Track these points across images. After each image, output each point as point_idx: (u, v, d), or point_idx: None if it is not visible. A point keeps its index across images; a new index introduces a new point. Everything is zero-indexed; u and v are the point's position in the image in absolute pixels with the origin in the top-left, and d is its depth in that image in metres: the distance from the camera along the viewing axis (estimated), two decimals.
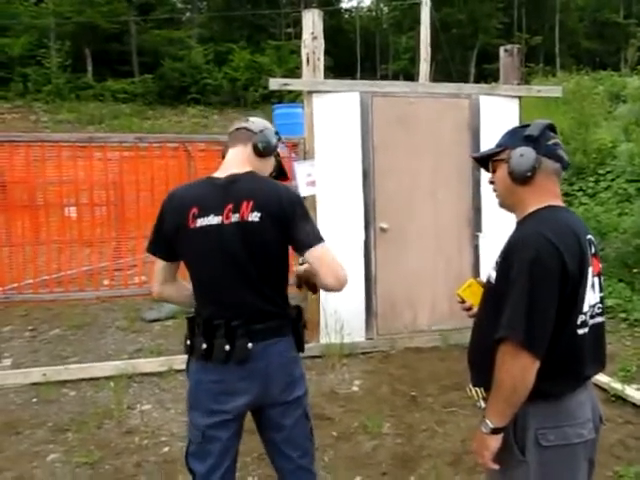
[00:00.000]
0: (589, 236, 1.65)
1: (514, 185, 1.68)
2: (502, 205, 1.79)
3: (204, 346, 1.91)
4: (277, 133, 2.08)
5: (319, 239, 1.88)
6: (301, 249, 1.87)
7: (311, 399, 3.86)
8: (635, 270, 6.10)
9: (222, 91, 25.18)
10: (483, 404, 1.67)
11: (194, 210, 1.92)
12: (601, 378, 4.01)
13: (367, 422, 3.52)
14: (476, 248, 5.01)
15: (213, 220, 1.90)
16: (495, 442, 1.59)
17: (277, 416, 1.98)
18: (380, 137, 4.75)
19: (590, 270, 1.60)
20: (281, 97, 18.56)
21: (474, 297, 1.86)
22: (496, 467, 1.61)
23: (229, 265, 1.90)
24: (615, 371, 4.20)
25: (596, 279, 1.64)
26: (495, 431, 1.58)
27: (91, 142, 4.30)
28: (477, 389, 1.70)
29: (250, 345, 1.88)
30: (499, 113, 4.91)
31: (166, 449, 3.33)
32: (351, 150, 4.69)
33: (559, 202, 1.69)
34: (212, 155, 5.72)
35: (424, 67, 4.92)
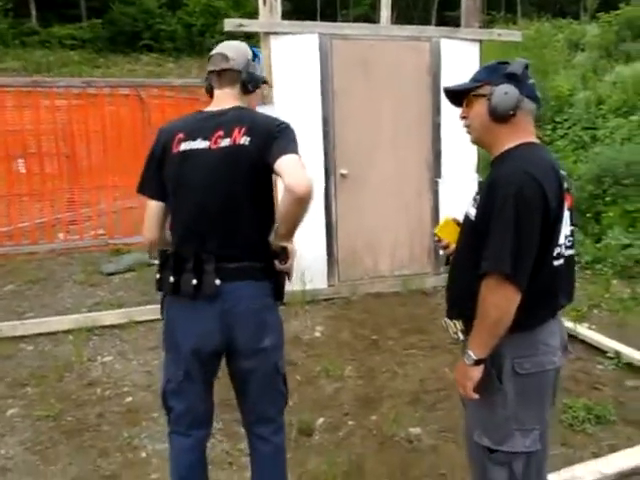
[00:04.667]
0: (562, 172, 1.66)
1: (492, 123, 1.66)
2: (476, 141, 1.78)
3: (172, 279, 1.86)
4: (254, 55, 1.99)
5: (293, 152, 1.79)
6: (273, 162, 1.77)
7: None
8: (588, 215, 6.28)
9: (177, 37, 24.17)
10: (462, 336, 1.71)
11: (180, 135, 1.90)
12: None
13: (329, 366, 3.58)
14: (436, 193, 5.04)
15: (200, 144, 1.86)
16: (477, 373, 1.64)
17: (246, 364, 1.95)
18: (340, 82, 4.65)
19: (564, 204, 1.63)
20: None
21: (450, 235, 1.88)
22: (476, 397, 1.66)
23: (208, 194, 1.85)
24: (567, 311, 4.37)
25: (567, 212, 1.67)
26: (478, 362, 1.62)
27: (36, 86, 4.06)
28: (455, 322, 1.74)
29: (218, 282, 1.83)
30: (460, 57, 4.85)
31: (129, 399, 3.32)
32: (311, 95, 4.59)
33: (535, 140, 1.69)
34: (167, 103, 5.51)
35: (385, 13, 4.78)
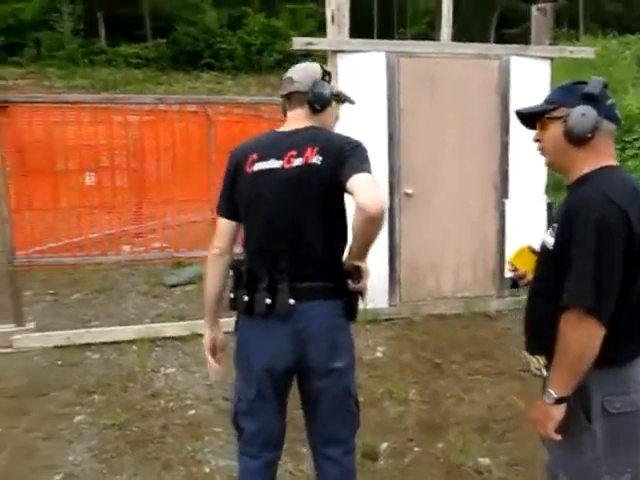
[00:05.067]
0: None
1: (569, 146, 1.58)
2: (550, 165, 1.71)
3: (245, 299, 1.86)
4: (326, 73, 1.97)
5: (365, 170, 1.75)
6: (345, 180, 1.73)
7: None
8: None
9: (236, 56, 24.79)
10: (545, 372, 1.62)
11: (253, 156, 1.91)
12: None
13: (392, 388, 3.50)
14: (502, 214, 4.90)
15: (273, 164, 1.87)
16: (559, 412, 1.54)
17: (318, 384, 1.91)
18: (406, 100, 4.61)
19: None
20: (296, 61, 18.23)
21: (526, 264, 1.81)
22: (559, 438, 1.56)
23: (281, 213, 1.85)
24: None
25: None
26: (559, 401, 1.53)
27: (110, 103, 4.21)
28: (538, 357, 1.64)
29: (292, 302, 1.81)
30: (530, 75, 4.72)
31: (192, 412, 3.33)
32: (377, 113, 4.55)
33: (614, 162, 1.61)
34: (233, 120, 5.60)
35: (446, 30, 4.74)
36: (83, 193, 4.70)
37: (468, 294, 4.90)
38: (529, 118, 1.72)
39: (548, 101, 1.66)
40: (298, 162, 1.83)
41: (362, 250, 1.85)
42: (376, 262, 4.65)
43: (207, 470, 2.75)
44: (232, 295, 1.92)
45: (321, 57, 5.00)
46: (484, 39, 25.45)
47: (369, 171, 1.76)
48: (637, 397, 1.55)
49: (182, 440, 3.02)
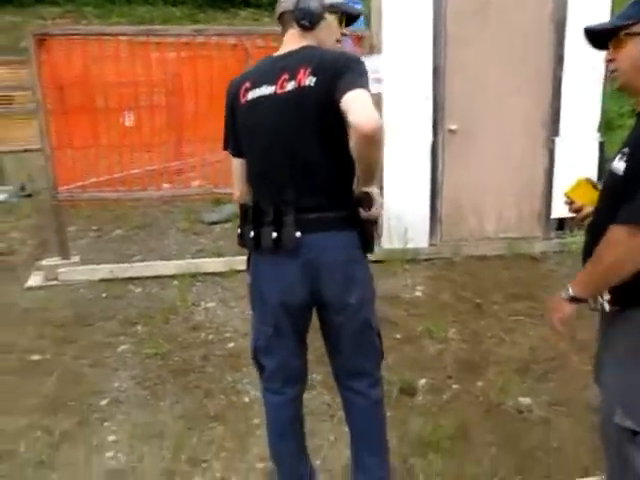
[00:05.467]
0: None
1: None
2: (624, 87, 1.56)
3: (252, 234, 1.80)
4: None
5: (361, 86, 1.61)
6: (339, 99, 1.60)
7: None
8: None
9: None
10: (607, 307, 1.55)
11: (246, 84, 1.81)
12: None
13: (431, 327, 3.47)
14: (551, 153, 4.67)
15: (265, 90, 1.76)
16: (569, 309, 1.58)
17: (336, 319, 1.87)
18: (453, 29, 4.36)
19: None
20: None
21: (584, 197, 1.73)
22: (560, 328, 1.62)
23: (280, 141, 1.75)
24: None
25: None
26: (573, 299, 1.56)
27: (148, 34, 4.11)
28: None
29: (298, 234, 1.74)
30: (589, 4, 4.38)
31: (231, 344, 3.39)
32: (422, 44, 4.33)
33: None
34: (271, 53, 5.43)
35: None
36: (122, 131, 4.67)
37: (512, 235, 4.76)
38: (599, 37, 1.56)
39: (624, 16, 1.50)
40: (291, 86, 1.71)
41: (366, 174, 1.72)
42: (417, 200, 4.58)
43: (246, 400, 2.81)
44: (239, 231, 1.87)
45: None
46: None
47: (364, 87, 1.62)
48: None
49: (222, 370, 3.09)
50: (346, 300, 1.83)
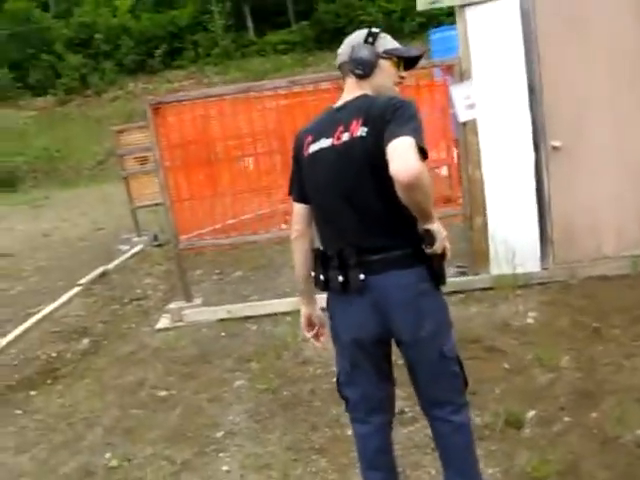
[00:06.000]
0: None
1: None
2: None
3: (322, 277, 1.92)
4: (370, 34, 1.90)
5: (405, 134, 1.67)
6: (385, 146, 1.68)
7: (481, 331, 3.80)
8: None
9: (378, 25, 24.40)
10: None
11: (309, 138, 1.95)
12: None
13: (542, 355, 3.31)
14: None
15: (324, 143, 1.89)
16: None
17: (410, 353, 1.94)
18: (546, 44, 4.22)
19: None
20: (439, 22, 17.54)
21: None
22: None
23: (338, 191, 1.87)
24: None
25: None
26: None
27: (248, 91, 4.47)
28: None
29: (362, 276, 1.83)
30: None
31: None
32: (513, 64, 4.25)
33: None
34: None
35: None
36: (234, 179, 5.06)
37: (636, 252, 4.41)
38: None
39: None
40: (346, 137, 1.83)
41: (420, 214, 1.77)
42: (525, 223, 4.44)
43: (349, 433, 2.85)
44: (313, 274, 2.00)
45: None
46: None
47: (409, 133, 1.67)
48: None
49: (328, 404, 3.18)
50: (418, 335, 1.89)
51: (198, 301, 4.99)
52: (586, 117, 4.29)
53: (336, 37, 24.84)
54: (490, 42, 4.23)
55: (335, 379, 2.12)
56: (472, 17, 4.21)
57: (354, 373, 2.00)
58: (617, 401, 2.79)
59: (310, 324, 2.20)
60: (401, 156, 1.65)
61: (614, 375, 3.06)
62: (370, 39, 1.90)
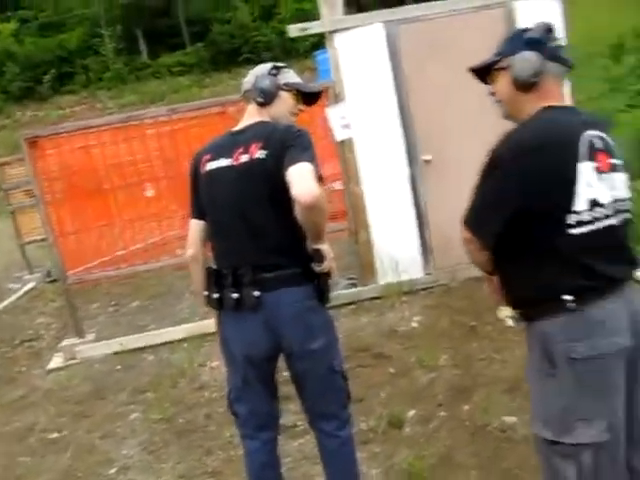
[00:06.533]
0: (595, 132, 1.56)
1: (518, 93, 1.63)
2: (507, 116, 1.74)
3: (216, 296, 1.98)
4: (274, 68, 2.06)
5: (305, 160, 1.81)
6: (285, 170, 1.81)
7: (371, 339, 3.98)
8: None
9: (273, 46, 24.91)
10: (511, 322, 1.69)
11: (207, 157, 2.03)
12: None
13: (424, 356, 3.54)
14: None
15: (223, 162, 1.98)
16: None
17: (300, 366, 2.03)
18: (412, 67, 4.55)
19: (588, 166, 1.51)
20: None
21: None
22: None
23: (236, 209, 1.95)
24: None
25: (607, 176, 1.55)
26: None
27: (128, 121, 4.44)
28: (503, 309, 1.72)
29: (257, 293, 1.91)
30: (539, 18, 4.51)
31: None
32: (383, 85, 4.53)
33: (560, 103, 1.63)
34: None
35: None
36: (121, 209, 4.99)
37: None
38: (482, 73, 1.74)
39: (496, 53, 1.69)
40: (245, 158, 1.93)
41: (314, 235, 1.90)
42: (404, 233, 4.70)
43: (242, 453, 2.91)
44: (206, 293, 2.05)
45: None
46: None
47: (308, 160, 1.82)
48: (602, 341, 1.51)
49: (222, 427, 3.21)
50: (307, 348, 1.98)
51: (91, 336, 4.85)
52: (452, 131, 4.64)
53: (232, 58, 25.01)
54: (360, 65, 4.49)
55: (227, 396, 2.18)
56: (341, 42, 4.45)
57: (245, 389, 2.07)
58: (487, 393, 3.04)
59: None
60: (302, 180, 1.77)
61: (486, 369, 3.33)
62: (274, 71, 2.06)
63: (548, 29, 1.61)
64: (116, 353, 4.59)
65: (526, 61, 1.57)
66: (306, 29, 4.44)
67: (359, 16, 4.58)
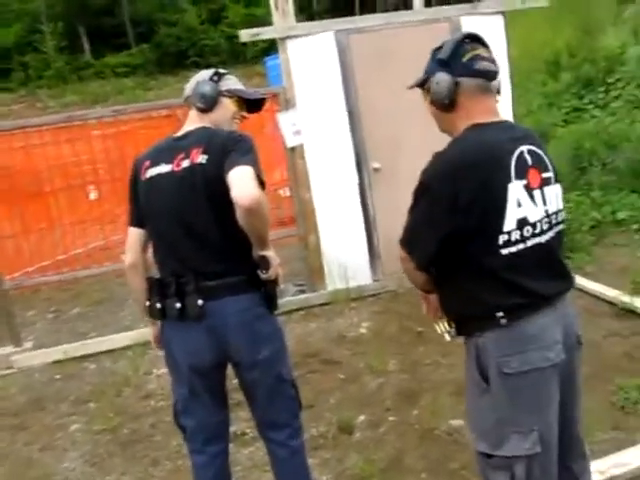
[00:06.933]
0: (526, 147, 1.57)
1: (441, 112, 1.65)
2: (442, 131, 1.76)
3: (158, 306, 1.92)
4: (216, 74, 2.03)
5: (246, 164, 1.79)
6: (226, 174, 1.78)
7: (318, 345, 3.99)
8: None
9: (221, 50, 24.74)
10: (447, 337, 1.69)
11: (147, 163, 1.97)
12: (608, 292, 3.97)
13: (373, 362, 3.57)
14: None
15: (164, 169, 1.93)
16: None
17: (249, 376, 1.99)
18: (362, 75, 4.61)
19: (519, 185, 1.52)
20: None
21: None
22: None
23: (177, 216, 1.90)
24: (625, 284, 4.13)
25: (537, 192, 1.56)
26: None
27: (70, 121, 4.29)
28: (440, 322, 1.72)
29: (201, 302, 1.86)
30: (483, 33, 4.66)
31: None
32: (333, 93, 4.57)
33: (490, 117, 1.62)
34: None
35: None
36: (62, 212, 4.81)
37: None
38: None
39: (424, 71, 1.70)
40: (186, 164, 1.89)
41: (257, 240, 1.88)
42: (353, 240, 4.74)
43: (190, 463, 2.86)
44: (148, 303, 1.97)
45: None
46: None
47: (249, 163, 1.80)
48: (534, 355, 1.53)
49: (169, 436, 3.13)
50: (255, 357, 1.95)
51: (29, 344, 4.63)
52: (401, 139, 4.73)
53: (179, 61, 24.68)
54: (311, 72, 4.52)
55: (172, 409, 2.11)
56: (293, 49, 4.46)
57: (192, 400, 2.00)
58: (434, 397, 3.10)
59: (158, 340, 2.13)
60: (242, 183, 1.74)
61: (433, 373, 3.40)
62: (215, 77, 2.01)
63: (460, 42, 1.59)
64: (56, 362, 4.41)
65: (437, 83, 1.58)
66: (258, 34, 4.42)
67: (311, 24, 4.61)
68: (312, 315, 4.54)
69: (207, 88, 1.98)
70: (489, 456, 1.59)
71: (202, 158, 1.86)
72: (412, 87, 1.74)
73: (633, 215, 5.59)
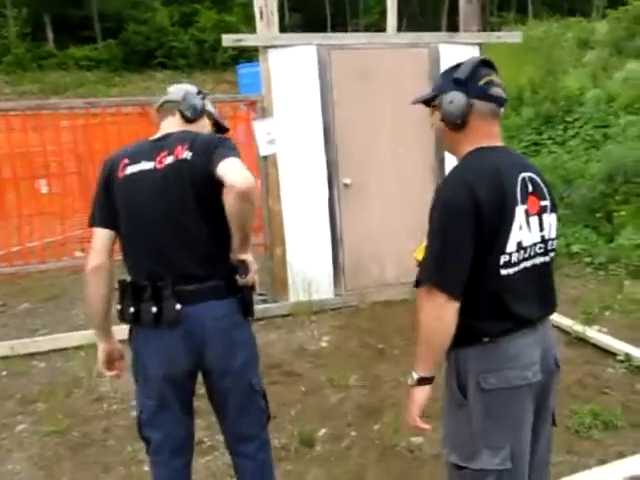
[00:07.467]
0: (527, 174, 1.61)
1: (449, 131, 1.65)
2: (444, 149, 1.79)
3: (132, 310, 1.83)
4: (200, 93, 2.05)
5: (233, 156, 1.79)
6: (214, 169, 1.76)
7: (280, 356, 3.96)
8: (599, 215, 6.18)
9: (189, 53, 24.53)
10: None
11: (125, 161, 1.91)
12: (563, 321, 4.12)
13: (334, 376, 3.57)
14: None
15: (145, 166, 1.87)
16: (422, 394, 1.61)
17: (221, 384, 1.94)
18: (340, 91, 4.67)
19: (521, 209, 1.57)
20: (250, 57, 18.12)
21: None
22: (425, 427, 1.63)
23: (160, 213, 1.84)
24: (577, 314, 4.29)
25: (534, 218, 1.60)
26: (421, 381, 1.59)
27: (41, 109, 4.15)
28: None
29: (178, 307, 1.80)
30: (459, 61, 4.83)
31: (134, 413, 3.34)
32: (310, 106, 4.61)
33: (494, 142, 1.65)
34: None
35: (391, 21, 4.86)
36: (21, 202, 4.64)
37: (412, 280, 4.99)
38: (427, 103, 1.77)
39: (432, 88, 1.71)
40: (170, 160, 1.84)
41: (242, 239, 1.84)
42: (319, 253, 4.76)
43: (146, 469, 2.77)
44: (119, 307, 1.88)
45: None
46: (436, 27, 25.71)
47: (237, 157, 1.80)
48: (512, 373, 1.56)
49: (123, 442, 3.04)
50: (230, 365, 1.90)
51: None
52: (372, 157, 4.81)
53: (146, 60, 24.30)
54: (290, 83, 4.54)
55: (135, 418, 2.01)
56: (274, 59, 4.48)
57: (160, 411, 1.91)
58: (395, 414, 3.12)
59: (110, 360, 2.04)
60: (237, 169, 1.75)
61: (394, 390, 3.42)
62: (201, 95, 2.03)
63: (480, 64, 1.62)
64: (2, 358, 4.21)
65: (452, 102, 1.58)
66: (241, 40, 4.42)
67: (295, 35, 4.65)
68: (273, 326, 4.51)
69: (197, 101, 1.99)
70: (460, 468, 1.61)
71: (187, 154, 1.83)
72: (416, 102, 1.75)
73: (585, 249, 5.84)
